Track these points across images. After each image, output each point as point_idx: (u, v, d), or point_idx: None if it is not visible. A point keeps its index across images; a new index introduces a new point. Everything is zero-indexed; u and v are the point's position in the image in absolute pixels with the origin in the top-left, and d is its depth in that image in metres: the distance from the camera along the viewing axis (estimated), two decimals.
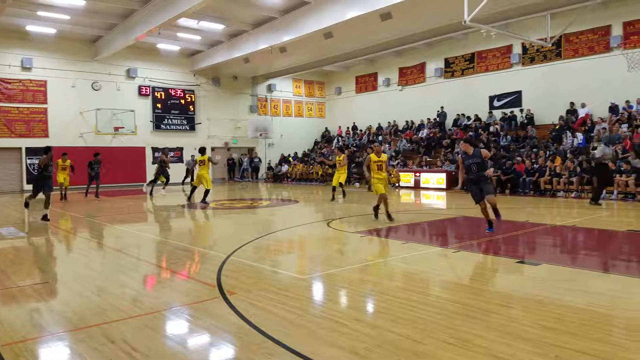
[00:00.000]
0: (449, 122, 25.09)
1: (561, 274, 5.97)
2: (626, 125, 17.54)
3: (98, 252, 8.48)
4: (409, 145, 25.47)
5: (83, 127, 24.22)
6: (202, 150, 15.85)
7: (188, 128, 27.98)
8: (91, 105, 24.10)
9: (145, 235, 10.13)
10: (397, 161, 23.96)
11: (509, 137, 21.11)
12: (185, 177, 24.79)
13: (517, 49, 22.30)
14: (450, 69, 25.41)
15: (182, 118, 27.78)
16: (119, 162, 24.84)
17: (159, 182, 19.76)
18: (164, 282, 6.18)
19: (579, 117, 19.66)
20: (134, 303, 5.04)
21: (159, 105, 26.87)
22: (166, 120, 27.13)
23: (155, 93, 26.77)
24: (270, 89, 31.57)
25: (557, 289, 5.21)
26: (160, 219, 13.32)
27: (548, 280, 5.59)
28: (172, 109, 27.37)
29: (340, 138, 30.67)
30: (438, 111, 25.46)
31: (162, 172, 19.46)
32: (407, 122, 27.35)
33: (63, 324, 4.50)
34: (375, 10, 16.50)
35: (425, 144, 24.40)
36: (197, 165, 15.92)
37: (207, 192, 15.40)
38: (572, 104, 20.11)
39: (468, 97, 24.33)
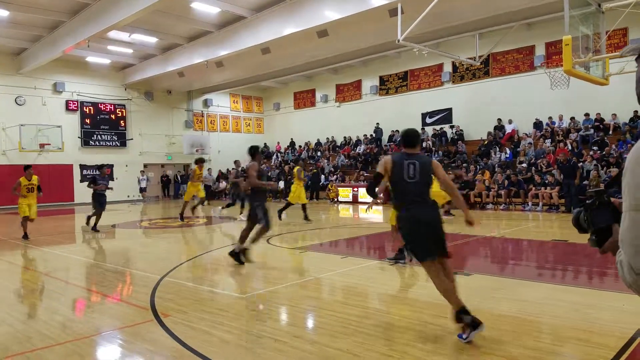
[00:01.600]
0: (384, 138, 25.70)
1: (492, 283, 6.20)
2: (549, 140, 18.68)
3: (23, 276, 7.92)
4: (346, 160, 25.82)
5: (6, 144, 22.77)
6: (297, 161, 14.44)
7: (119, 144, 26.94)
8: (14, 120, 22.69)
9: (74, 258, 9.58)
10: (335, 176, 24.24)
11: (440, 152, 21.88)
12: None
13: (448, 68, 23.30)
14: (385, 86, 26.12)
15: (113, 134, 26.72)
16: (45, 180, 23.44)
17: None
18: (94, 306, 5.85)
19: (506, 132, 20.74)
20: (62, 329, 4.73)
21: (87, 121, 25.72)
22: (95, 136, 26.00)
23: (84, 108, 25.62)
24: (206, 104, 31.08)
25: (489, 298, 5.40)
26: (89, 240, 12.66)
27: (480, 290, 5.78)
28: (102, 124, 26.28)
29: (279, 154, 30.63)
30: (375, 127, 26.01)
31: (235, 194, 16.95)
32: (344, 137, 27.76)
33: None
34: (312, 27, 16.73)
35: (363, 160, 24.84)
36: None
37: (288, 205, 14.23)
38: (499, 120, 21.20)
39: (402, 114, 25.04)
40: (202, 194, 15.45)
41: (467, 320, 3.99)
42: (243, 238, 7.62)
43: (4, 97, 22.95)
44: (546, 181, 16.01)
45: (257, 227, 7.59)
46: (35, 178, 12.25)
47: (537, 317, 4.74)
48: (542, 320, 4.65)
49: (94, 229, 12.99)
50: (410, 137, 4.52)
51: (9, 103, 23.08)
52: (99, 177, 13.44)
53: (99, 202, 13.10)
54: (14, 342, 4.37)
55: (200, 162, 15.12)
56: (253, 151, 7.76)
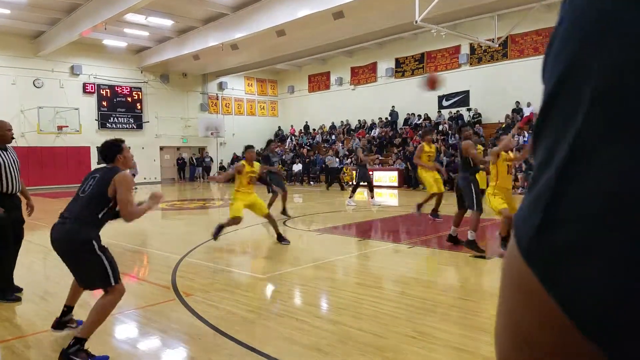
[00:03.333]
0: (400, 121, 25.51)
1: None
2: None
3: (43, 255, 8.06)
4: (366, 144, 25.69)
5: (24, 126, 23.00)
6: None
7: (135, 127, 27.11)
8: (33, 103, 22.92)
9: None
10: (350, 160, 24.18)
11: (457, 136, 21.66)
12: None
13: (465, 50, 22.94)
14: (400, 69, 25.84)
15: (129, 116, 26.89)
16: (63, 162, 23.81)
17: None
18: None
19: (525, 115, 20.44)
20: (84, 307, 4.81)
21: (104, 103, 25.90)
22: (112, 118, 26.18)
23: (101, 90, 25.79)
24: (221, 86, 31.07)
25: None
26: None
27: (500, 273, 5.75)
28: (119, 107, 26.44)
29: (293, 137, 30.60)
30: (391, 110, 25.80)
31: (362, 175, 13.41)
32: (359, 121, 27.61)
33: (11, 330, 4.25)
34: (328, 9, 16.53)
35: (378, 143, 24.72)
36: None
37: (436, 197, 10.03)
38: (517, 103, 20.90)
39: (418, 97, 24.71)
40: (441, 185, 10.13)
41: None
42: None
43: (23, 80, 23.16)
44: None
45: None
46: (257, 165, 8.63)
47: None
48: None
49: (284, 212, 11.18)
50: (100, 153, 4.06)
51: (27, 86, 23.29)
52: (271, 154, 11.14)
53: (277, 183, 11.06)
54: (39, 319, 4.47)
55: (428, 134, 10.35)
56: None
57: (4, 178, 5.06)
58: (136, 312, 4.69)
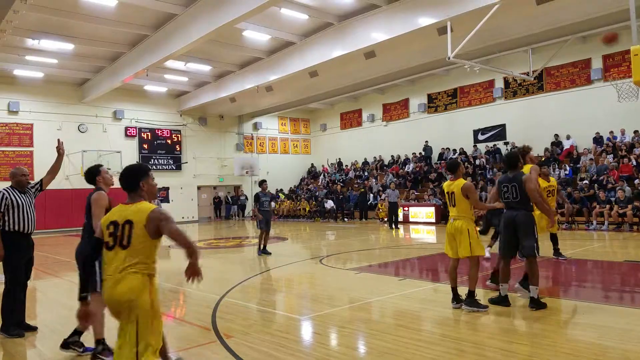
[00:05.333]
0: (434, 156, 25.31)
1: (566, 307, 5.86)
2: (611, 155, 17.81)
3: None
4: (395, 179, 25.54)
5: (69, 170, 23.89)
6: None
7: (174, 168, 27.83)
8: (77, 147, 23.86)
9: None
10: (384, 195, 23.98)
11: (495, 169, 21.28)
12: None
13: (499, 84, 22.79)
14: (433, 104, 25.82)
15: (169, 158, 27.67)
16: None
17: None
18: None
19: (564, 148, 19.96)
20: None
21: (145, 146, 26.76)
22: (152, 160, 26.96)
23: (142, 134, 26.72)
24: (256, 127, 31.74)
25: (565, 323, 5.10)
26: None
27: (552, 314, 5.48)
28: (159, 149, 27.28)
29: (326, 174, 30.74)
30: (424, 145, 25.65)
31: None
32: (392, 156, 27.56)
33: None
34: (360, 49, 16.80)
35: (412, 178, 24.52)
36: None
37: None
38: (556, 135, 20.46)
39: (452, 131, 24.64)
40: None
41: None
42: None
43: (68, 125, 24.25)
44: (611, 198, 15.19)
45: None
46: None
47: (621, 344, 4.41)
48: (627, 348, 4.31)
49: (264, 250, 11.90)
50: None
51: (72, 131, 24.34)
52: (261, 193, 12.19)
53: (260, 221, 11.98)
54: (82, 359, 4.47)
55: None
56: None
57: (22, 218, 5.42)
58: (178, 354, 4.64)
